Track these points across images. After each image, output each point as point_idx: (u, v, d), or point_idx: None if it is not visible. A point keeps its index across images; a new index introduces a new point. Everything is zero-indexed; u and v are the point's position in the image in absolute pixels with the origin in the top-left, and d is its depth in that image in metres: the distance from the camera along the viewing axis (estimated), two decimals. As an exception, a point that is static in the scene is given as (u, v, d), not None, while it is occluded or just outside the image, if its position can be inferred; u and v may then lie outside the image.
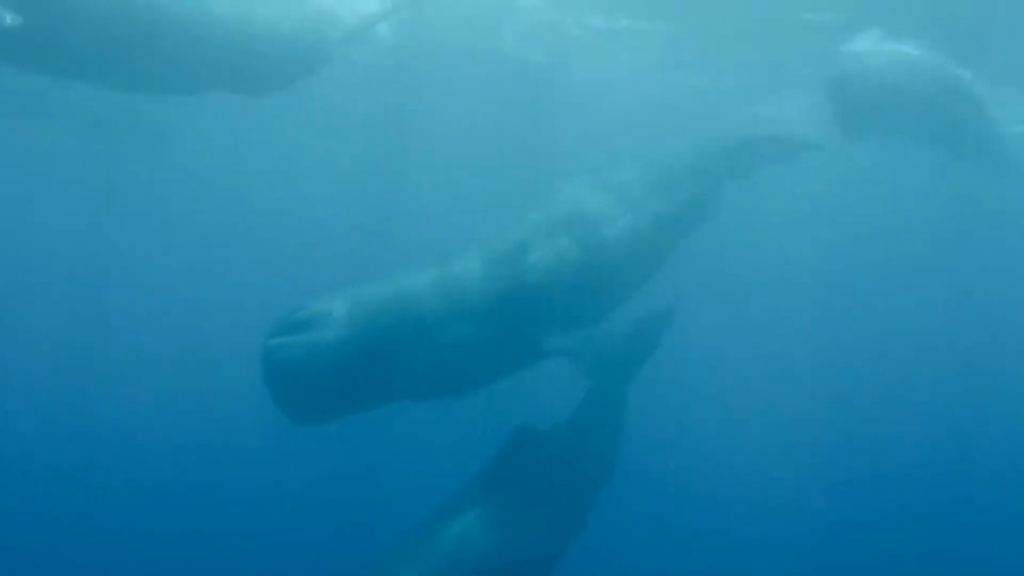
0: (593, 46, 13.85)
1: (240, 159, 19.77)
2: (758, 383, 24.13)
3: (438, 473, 8.92)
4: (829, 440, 22.83)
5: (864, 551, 21.23)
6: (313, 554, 18.25)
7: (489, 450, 8.14)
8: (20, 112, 15.99)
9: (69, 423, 22.79)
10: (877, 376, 24.50)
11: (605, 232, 8.24)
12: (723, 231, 10.06)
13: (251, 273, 23.18)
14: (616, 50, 13.91)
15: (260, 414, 7.36)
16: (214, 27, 8.06)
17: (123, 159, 18.60)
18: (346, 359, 7.20)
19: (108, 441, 22.25)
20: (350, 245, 20.66)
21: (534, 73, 14.77)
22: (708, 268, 16.97)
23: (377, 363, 7.33)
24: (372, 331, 7.30)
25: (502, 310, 7.68)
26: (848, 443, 23.31)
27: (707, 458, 22.43)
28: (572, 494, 8.22)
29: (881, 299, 23.36)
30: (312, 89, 10.03)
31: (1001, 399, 23.59)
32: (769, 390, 23.89)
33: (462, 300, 7.59)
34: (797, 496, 21.51)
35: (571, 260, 8.01)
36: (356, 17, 9.50)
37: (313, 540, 19.37)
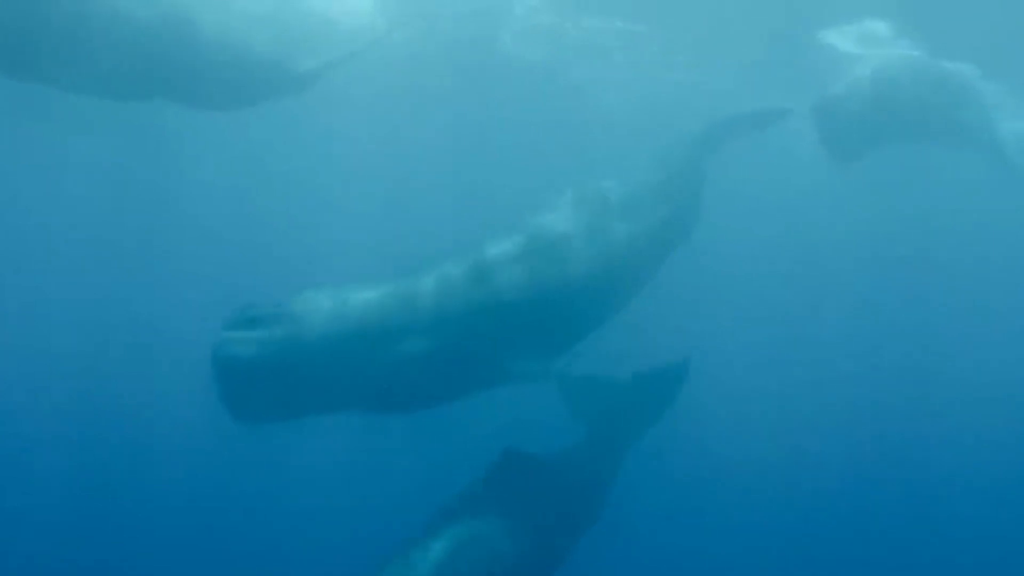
0: (591, 47, 13.87)
1: (240, 161, 19.77)
2: (763, 386, 24.05)
3: (428, 488, 8.77)
4: (835, 444, 22.83)
5: (865, 551, 21.26)
6: (303, 567, 18.28)
7: (482, 465, 7.99)
8: (24, 113, 15.95)
9: (70, 425, 22.81)
10: (881, 379, 24.45)
11: (588, 250, 8.02)
12: (720, 232, 10.03)
13: (255, 276, 23.15)
14: (612, 50, 13.92)
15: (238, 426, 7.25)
16: (192, 38, 7.84)
17: (127, 160, 18.61)
18: (291, 359, 7.05)
19: (110, 443, 22.28)
20: (347, 247, 20.66)
21: (533, 74, 14.79)
22: (712, 271, 17.01)
23: (325, 367, 7.15)
24: (324, 334, 7.13)
25: (463, 326, 7.45)
26: (855, 448, 23.27)
27: (707, 459, 22.42)
28: (560, 522, 8.03)
29: (883, 300, 23.33)
30: (311, 93, 10.01)
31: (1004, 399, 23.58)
32: (773, 393, 23.83)
33: (421, 314, 7.39)
34: (797, 500, 21.55)
35: (538, 279, 7.76)
36: (342, 45, 9.19)
37: (306, 551, 19.41)
